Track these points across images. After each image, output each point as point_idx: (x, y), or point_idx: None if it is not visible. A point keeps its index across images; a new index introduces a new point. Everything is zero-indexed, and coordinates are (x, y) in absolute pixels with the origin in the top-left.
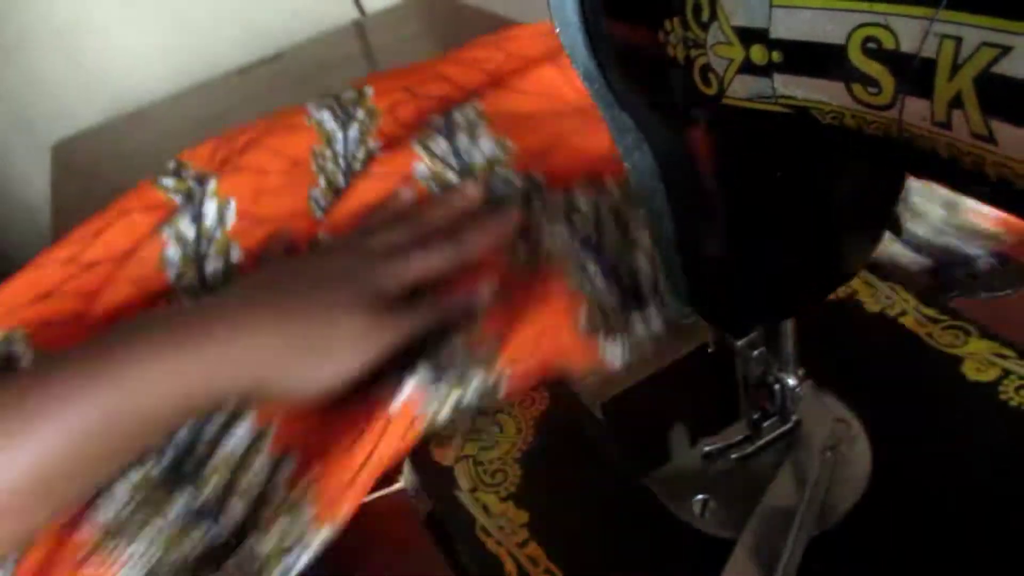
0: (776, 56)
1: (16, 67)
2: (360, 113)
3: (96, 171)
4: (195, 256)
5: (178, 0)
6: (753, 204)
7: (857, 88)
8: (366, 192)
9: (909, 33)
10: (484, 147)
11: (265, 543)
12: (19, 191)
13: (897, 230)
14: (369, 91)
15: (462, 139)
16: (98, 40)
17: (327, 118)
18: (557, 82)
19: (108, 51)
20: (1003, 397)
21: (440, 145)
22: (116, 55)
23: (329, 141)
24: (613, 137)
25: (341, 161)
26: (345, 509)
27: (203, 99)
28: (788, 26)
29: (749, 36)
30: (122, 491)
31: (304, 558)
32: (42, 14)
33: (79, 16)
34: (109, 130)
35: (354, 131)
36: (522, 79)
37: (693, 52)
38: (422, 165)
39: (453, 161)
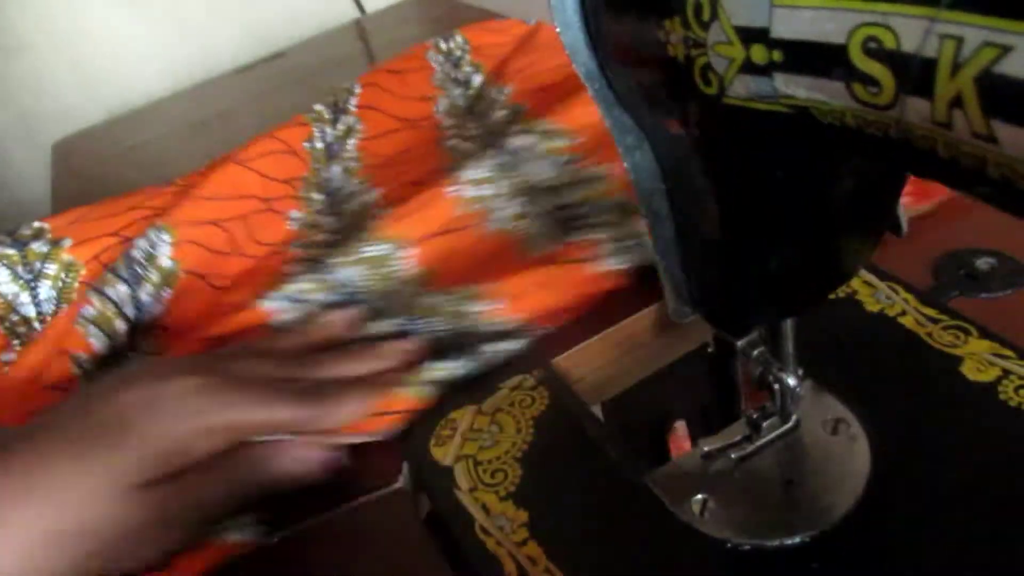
0: (777, 56)
1: (16, 66)
2: (52, 268)
3: (96, 170)
4: None
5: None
6: (753, 204)
7: (858, 88)
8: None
9: (910, 33)
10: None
11: None
12: (19, 190)
13: (897, 230)
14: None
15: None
16: (98, 39)
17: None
18: (242, 178)
19: (108, 50)
20: (1003, 397)
21: (118, 290)
22: (116, 54)
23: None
24: (613, 137)
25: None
26: None
27: (203, 98)
28: (789, 26)
29: (750, 35)
30: None
31: None
32: (42, 14)
33: (79, 16)
34: (109, 129)
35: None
36: (203, 186)
37: (693, 52)
38: (91, 309)
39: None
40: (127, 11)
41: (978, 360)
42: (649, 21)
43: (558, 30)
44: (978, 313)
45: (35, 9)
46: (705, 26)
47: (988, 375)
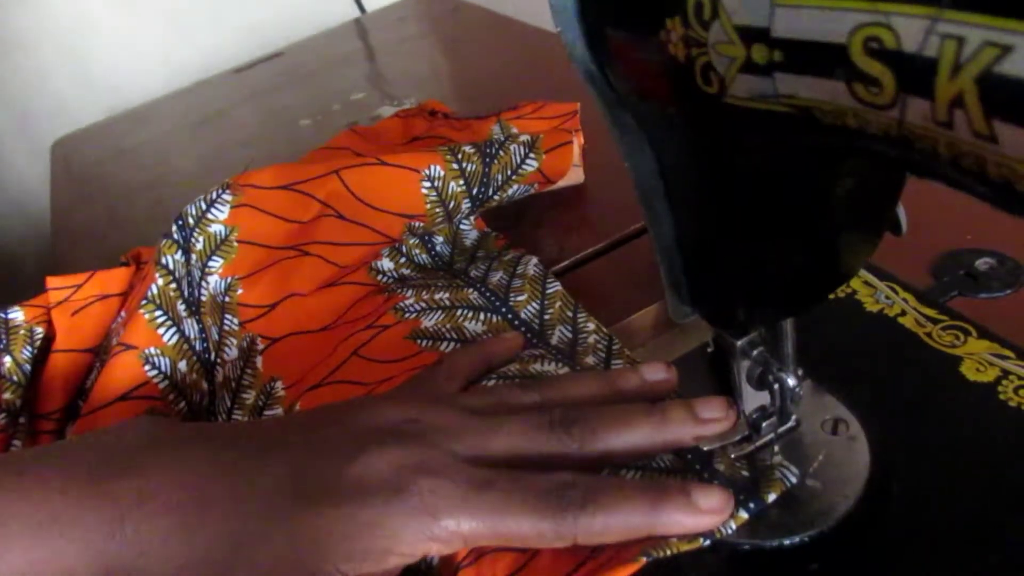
0: (777, 55)
1: (16, 65)
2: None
3: (95, 169)
4: None
5: None
6: (753, 204)
7: (858, 88)
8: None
9: (911, 32)
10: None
11: None
12: (18, 189)
13: (897, 230)
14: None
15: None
16: (98, 39)
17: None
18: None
19: (108, 49)
20: (1002, 397)
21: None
22: (116, 53)
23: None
24: (614, 137)
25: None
26: None
27: (203, 97)
28: (789, 25)
29: (750, 35)
30: None
31: None
32: (42, 13)
33: (79, 15)
34: (108, 128)
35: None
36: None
37: (694, 51)
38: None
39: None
40: (126, 11)
41: (978, 360)
42: (649, 21)
43: (558, 30)
44: (978, 313)
45: (35, 8)
46: (706, 25)
47: (988, 375)
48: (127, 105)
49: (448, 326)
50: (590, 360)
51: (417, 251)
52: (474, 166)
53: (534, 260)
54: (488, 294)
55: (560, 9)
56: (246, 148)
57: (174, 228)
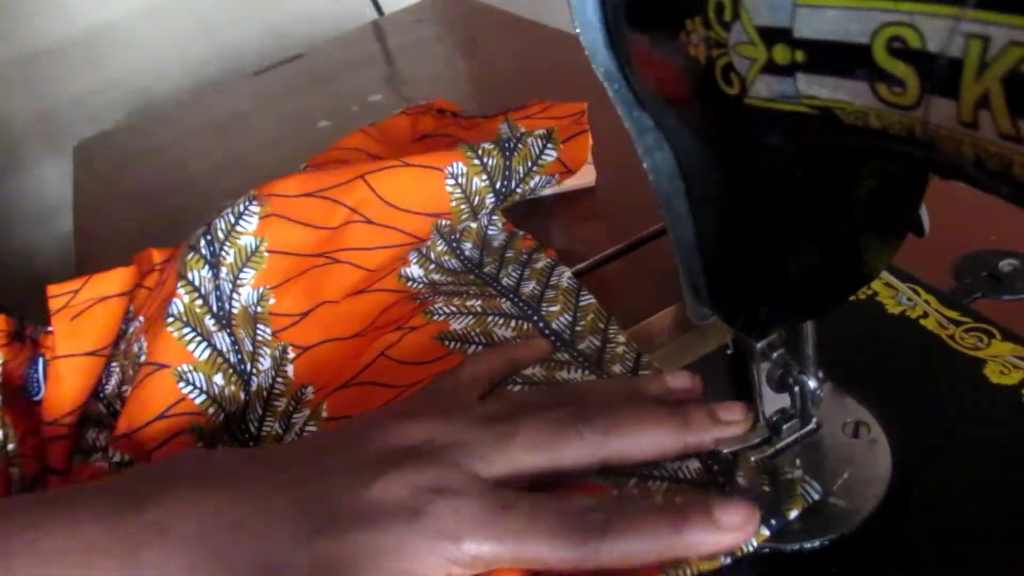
0: (799, 56)
1: (39, 68)
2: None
3: (117, 171)
4: None
5: (198, 2)
6: (774, 205)
7: (882, 88)
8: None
9: (935, 32)
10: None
11: None
12: (41, 191)
13: (919, 231)
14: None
15: None
16: (119, 42)
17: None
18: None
19: (129, 53)
20: None
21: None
22: (137, 56)
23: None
24: (633, 138)
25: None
26: None
27: (223, 100)
28: (812, 25)
29: (772, 35)
30: None
31: None
32: (64, 16)
33: (101, 18)
34: (130, 131)
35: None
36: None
37: (715, 52)
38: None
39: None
40: (148, 14)
41: (1001, 363)
42: (670, 21)
43: (578, 30)
44: (1001, 315)
45: (58, 12)
46: (727, 26)
47: (1011, 378)
48: (149, 107)
49: (477, 330)
50: (617, 369)
51: (446, 257)
52: (495, 160)
53: (568, 272)
54: (520, 304)
55: (580, 10)
56: (265, 150)
57: (202, 243)
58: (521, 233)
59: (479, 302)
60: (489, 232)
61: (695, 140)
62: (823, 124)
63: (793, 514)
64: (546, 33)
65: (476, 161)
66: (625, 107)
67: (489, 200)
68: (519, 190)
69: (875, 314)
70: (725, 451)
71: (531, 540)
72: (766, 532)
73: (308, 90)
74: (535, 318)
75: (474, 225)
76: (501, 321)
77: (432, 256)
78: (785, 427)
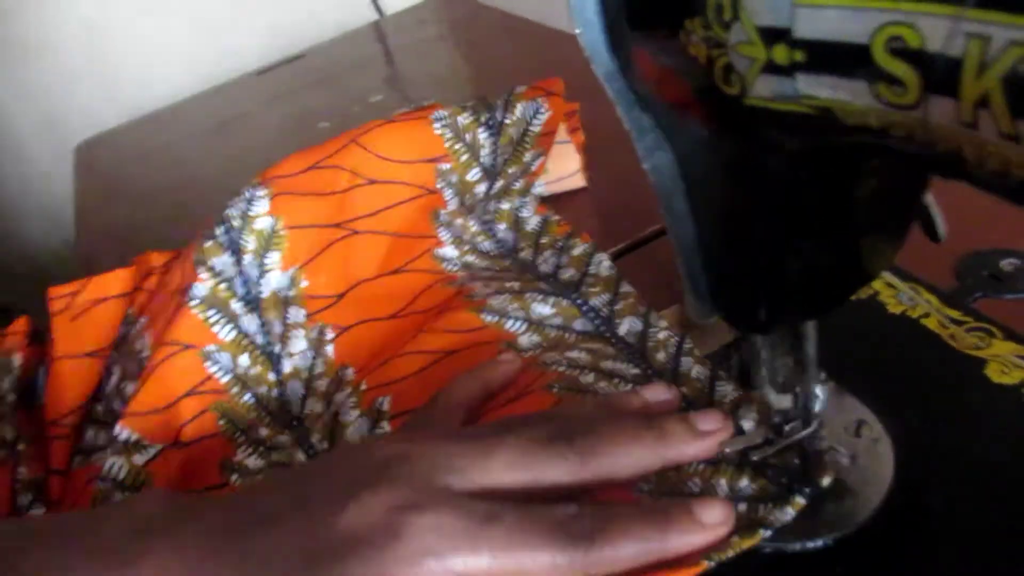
0: (799, 56)
1: (40, 68)
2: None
3: (119, 171)
4: None
5: (200, 1)
6: (775, 205)
7: (882, 88)
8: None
9: (935, 32)
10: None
11: None
12: (43, 191)
13: (935, 236)
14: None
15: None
16: (121, 41)
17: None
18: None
19: (131, 52)
20: None
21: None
22: (139, 56)
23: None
24: (633, 138)
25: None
26: None
27: (224, 99)
28: (811, 25)
29: (772, 36)
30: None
31: None
32: (65, 15)
33: (102, 17)
34: (132, 131)
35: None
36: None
37: (715, 52)
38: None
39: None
40: (150, 12)
41: (1002, 362)
42: (670, 21)
43: (578, 30)
44: (1002, 315)
45: (59, 11)
46: (727, 26)
47: (1013, 378)
48: (151, 107)
49: (515, 305)
50: (660, 356)
51: (480, 238)
52: (474, 103)
53: (606, 260)
54: (559, 286)
55: (579, 10)
56: (266, 151)
57: (218, 231)
58: (556, 218)
59: (517, 284)
60: (522, 215)
61: (695, 140)
62: (823, 124)
63: (826, 481)
64: (546, 33)
65: (456, 106)
66: (625, 107)
67: (481, 135)
68: (507, 121)
69: (876, 314)
70: (727, 451)
71: (521, 550)
72: (801, 501)
73: (309, 90)
74: (573, 295)
75: (505, 206)
76: (540, 297)
77: (466, 237)
78: (787, 427)
